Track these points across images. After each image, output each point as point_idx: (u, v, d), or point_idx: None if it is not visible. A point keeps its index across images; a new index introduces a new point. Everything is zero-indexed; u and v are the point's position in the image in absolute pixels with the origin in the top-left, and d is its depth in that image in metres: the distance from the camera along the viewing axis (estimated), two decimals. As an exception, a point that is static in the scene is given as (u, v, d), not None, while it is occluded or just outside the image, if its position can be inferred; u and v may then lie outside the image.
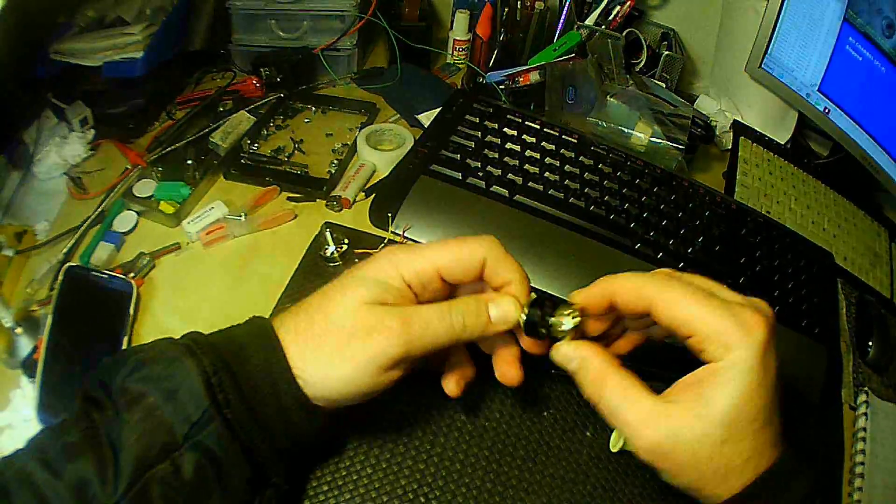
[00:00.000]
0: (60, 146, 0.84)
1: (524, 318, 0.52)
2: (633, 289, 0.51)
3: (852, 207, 1.08)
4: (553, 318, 0.52)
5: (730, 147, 1.06)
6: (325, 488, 0.58)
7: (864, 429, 0.75)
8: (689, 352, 0.50)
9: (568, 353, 0.53)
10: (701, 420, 0.47)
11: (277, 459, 0.48)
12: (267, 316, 0.67)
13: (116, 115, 0.89)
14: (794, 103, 1.08)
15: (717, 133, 1.07)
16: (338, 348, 0.48)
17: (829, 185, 1.09)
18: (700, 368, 0.50)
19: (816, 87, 1.04)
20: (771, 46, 1.03)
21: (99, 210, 0.77)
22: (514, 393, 0.66)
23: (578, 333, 0.53)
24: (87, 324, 0.66)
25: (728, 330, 0.48)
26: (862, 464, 0.72)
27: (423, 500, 0.59)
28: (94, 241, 0.75)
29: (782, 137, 1.12)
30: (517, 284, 0.53)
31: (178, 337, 0.49)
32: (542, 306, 0.53)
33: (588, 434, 0.66)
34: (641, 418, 0.49)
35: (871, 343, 0.86)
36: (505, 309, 0.52)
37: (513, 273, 0.53)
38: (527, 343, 0.55)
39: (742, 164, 1.02)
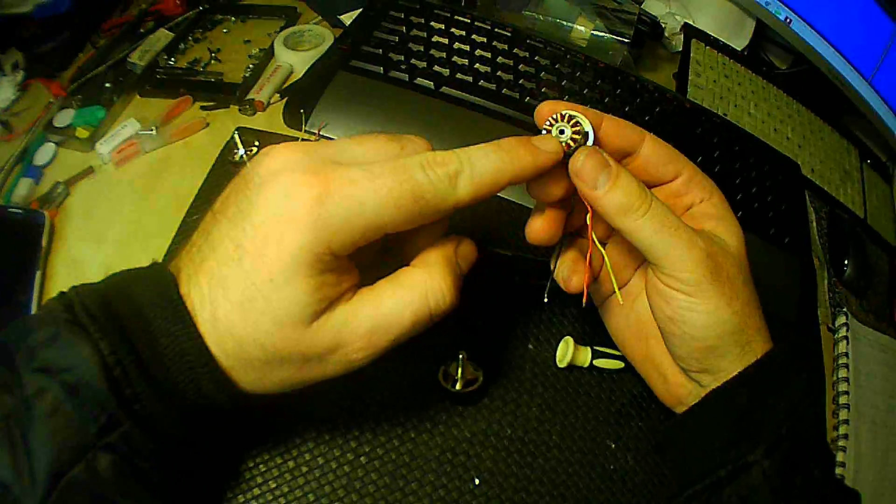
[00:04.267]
0: None
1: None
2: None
3: (818, 121, 0.97)
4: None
5: (680, 49, 0.95)
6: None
7: (846, 353, 0.65)
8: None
9: (601, 159, 0.41)
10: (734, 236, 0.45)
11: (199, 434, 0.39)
12: (174, 230, 0.60)
13: (45, 52, 0.81)
14: (752, 11, 0.98)
15: (667, 35, 0.96)
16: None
17: (792, 97, 0.98)
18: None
19: None
20: None
21: (22, 147, 0.70)
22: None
23: None
24: (5, 263, 0.60)
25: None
26: (846, 393, 0.62)
27: (343, 429, 0.49)
28: (16, 178, 0.68)
29: (738, 45, 1.01)
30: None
31: (76, 288, 0.38)
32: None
33: (530, 347, 0.55)
34: (689, 240, 0.42)
35: (846, 261, 0.76)
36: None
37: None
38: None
39: (694, 65, 0.90)
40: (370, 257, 0.42)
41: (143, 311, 0.37)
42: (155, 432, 0.36)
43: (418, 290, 0.39)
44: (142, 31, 0.85)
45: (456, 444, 0.50)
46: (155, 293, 0.37)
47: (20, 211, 0.62)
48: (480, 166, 0.38)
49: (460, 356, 0.50)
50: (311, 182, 0.35)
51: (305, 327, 0.36)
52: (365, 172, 0.36)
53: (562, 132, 0.41)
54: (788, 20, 0.95)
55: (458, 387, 0.50)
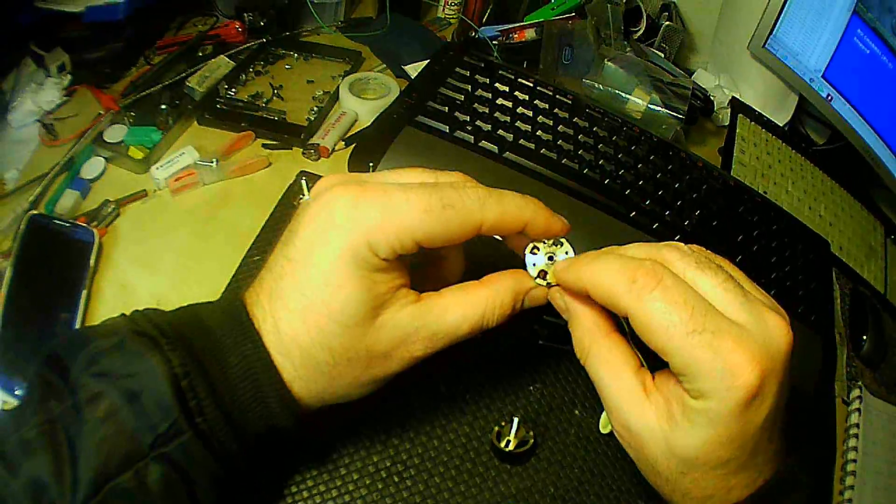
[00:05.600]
0: (36, 93, 0.77)
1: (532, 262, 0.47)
2: (609, 294, 0.41)
3: (849, 198, 1.03)
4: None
5: (727, 123, 1.01)
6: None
7: (857, 425, 0.70)
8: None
9: (560, 304, 0.47)
10: (666, 442, 0.41)
11: (255, 454, 0.42)
12: (232, 273, 0.62)
13: (94, 59, 0.83)
14: (796, 86, 1.03)
15: (715, 109, 1.01)
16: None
17: (826, 173, 1.04)
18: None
19: (821, 74, 1.00)
20: (777, 28, 0.99)
21: (68, 156, 0.71)
22: (498, 365, 0.60)
23: None
24: (49, 276, 0.60)
25: (705, 374, 0.38)
26: (854, 461, 0.67)
27: (396, 478, 0.52)
28: (61, 188, 0.68)
29: (781, 119, 1.06)
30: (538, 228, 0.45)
31: (140, 310, 0.41)
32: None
33: (577, 413, 0.59)
34: (618, 399, 0.43)
35: (865, 337, 0.81)
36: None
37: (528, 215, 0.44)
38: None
39: (739, 142, 0.96)
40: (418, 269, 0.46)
41: (213, 332, 0.41)
42: (214, 448, 0.38)
43: (480, 308, 0.44)
44: (200, 54, 0.88)
45: (502, 500, 0.53)
46: (224, 315, 0.42)
47: (66, 224, 0.63)
48: (509, 198, 0.43)
49: (515, 419, 0.54)
50: (347, 191, 0.40)
51: (370, 325, 0.40)
52: (398, 185, 0.41)
53: (539, 261, 0.47)
54: (830, 97, 1.00)
55: (510, 447, 0.54)
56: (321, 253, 0.39)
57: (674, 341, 0.38)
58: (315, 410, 0.44)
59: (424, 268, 0.47)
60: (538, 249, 0.47)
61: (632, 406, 0.42)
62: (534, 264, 0.47)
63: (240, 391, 0.40)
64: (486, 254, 0.49)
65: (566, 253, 0.47)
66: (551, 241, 0.47)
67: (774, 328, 0.39)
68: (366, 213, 0.39)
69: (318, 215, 0.40)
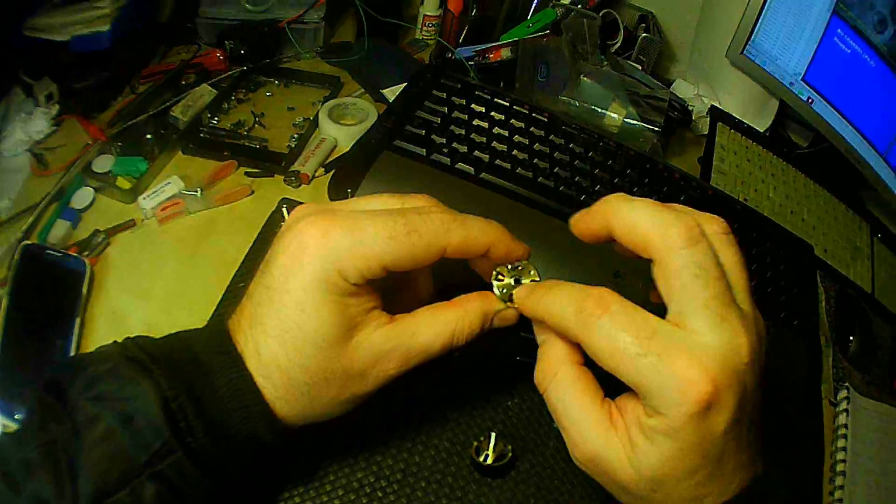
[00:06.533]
0: (25, 122, 0.80)
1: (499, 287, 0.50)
2: (561, 325, 0.44)
3: (833, 200, 1.05)
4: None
5: (706, 132, 1.03)
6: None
7: (846, 425, 0.72)
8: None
9: (535, 329, 0.49)
10: (631, 465, 0.42)
11: (242, 471, 0.46)
12: (218, 299, 0.65)
13: (81, 89, 0.86)
14: (776, 91, 1.06)
15: (694, 118, 1.04)
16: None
17: (809, 176, 1.06)
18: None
19: (801, 77, 1.01)
20: (755, 33, 1.01)
21: (58, 187, 0.74)
22: (476, 381, 0.63)
23: None
24: (43, 304, 0.63)
25: (655, 393, 0.40)
26: (843, 461, 0.69)
27: (380, 493, 0.55)
28: (52, 218, 0.71)
29: (761, 125, 1.09)
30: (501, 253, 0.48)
31: (132, 337, 0.45)
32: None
33: (554, 426, 0.60)
34: (580, 429, 0.44)
35: (851, 338, 0.83)
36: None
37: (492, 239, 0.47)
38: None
39: (719, 150, 0.98)
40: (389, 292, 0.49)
41: (200, 357, 0.44)
42: (204, 466, 0.41)
43: (450, 327, 0.47)
44: (183, 83, 0.91)
45: (483, 513, 0.57)
46: (210, 342, 0.45)
47: (59, 254, 0.66)
48: (472, 222, 0.46)
49: (493, 434, 0.58)
50: (318, 222, 0.43)
51: (345, 346, 0.44)
52: (366, 213, 0.44)
53: (505, 285, 0.49)
54: (810, 100, 1.02)
55: (489, 461, 0.57)
56: (295, 280, 0.42)
57: (622, 366, 0.40)
58: (299, 429, 0.47)
59: (395, 290, 0.50)
60: (503, 276, 0.50)
61: (599, 435, 0.43)
62: (500, 287, 0.49)
63: (226, 412, 0.43)
64: (457, 274, 0.51)
65: (530, 272, 0.50)
66: (515, 266, 0.50)
67: (735, 340, 0.40)
68: (335, 241, 0.42)
69: (290, 245, 0.43)
